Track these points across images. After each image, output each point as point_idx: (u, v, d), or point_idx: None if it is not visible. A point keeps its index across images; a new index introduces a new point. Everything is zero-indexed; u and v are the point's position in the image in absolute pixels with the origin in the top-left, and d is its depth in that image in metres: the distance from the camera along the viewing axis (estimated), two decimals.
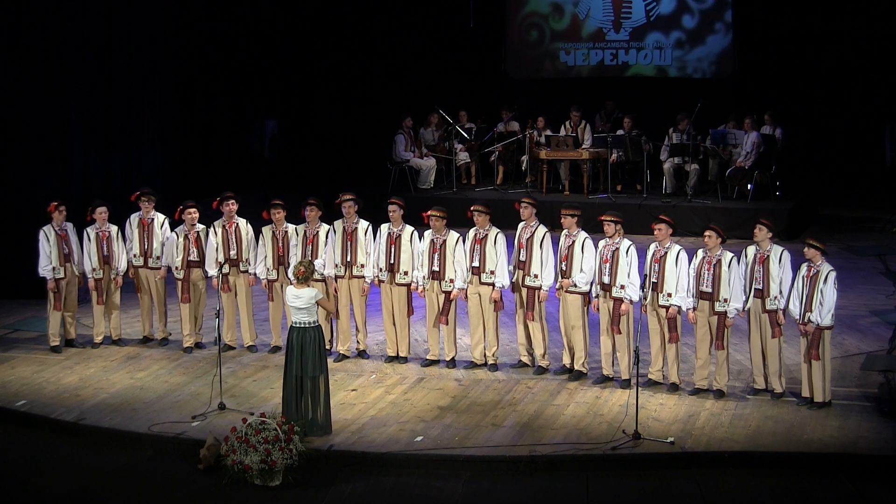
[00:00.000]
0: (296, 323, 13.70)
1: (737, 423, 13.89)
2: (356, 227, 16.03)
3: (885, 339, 16.66)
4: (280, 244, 16.31)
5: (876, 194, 25.43)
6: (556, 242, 15.44)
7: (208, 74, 26.21)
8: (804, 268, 14.26)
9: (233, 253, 16.50)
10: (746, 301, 14.55)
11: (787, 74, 26.54)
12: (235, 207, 16.56)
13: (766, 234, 14.59)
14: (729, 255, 14.56)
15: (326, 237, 16.10)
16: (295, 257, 16.06)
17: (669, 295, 14.72)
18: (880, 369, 15.41)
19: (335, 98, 28.19)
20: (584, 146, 25.41)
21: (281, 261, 16.33)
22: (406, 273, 15.85)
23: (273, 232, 16.37)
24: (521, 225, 15.60)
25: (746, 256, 14.66)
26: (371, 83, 28.47)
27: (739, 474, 12.82)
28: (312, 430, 13.52)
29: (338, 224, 16.11)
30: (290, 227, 16.33)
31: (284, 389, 13.76)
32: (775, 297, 14.43)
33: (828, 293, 14.02)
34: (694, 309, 14.70)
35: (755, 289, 14.51)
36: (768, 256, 14.49)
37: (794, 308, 14.28)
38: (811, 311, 14.07)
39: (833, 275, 14.11)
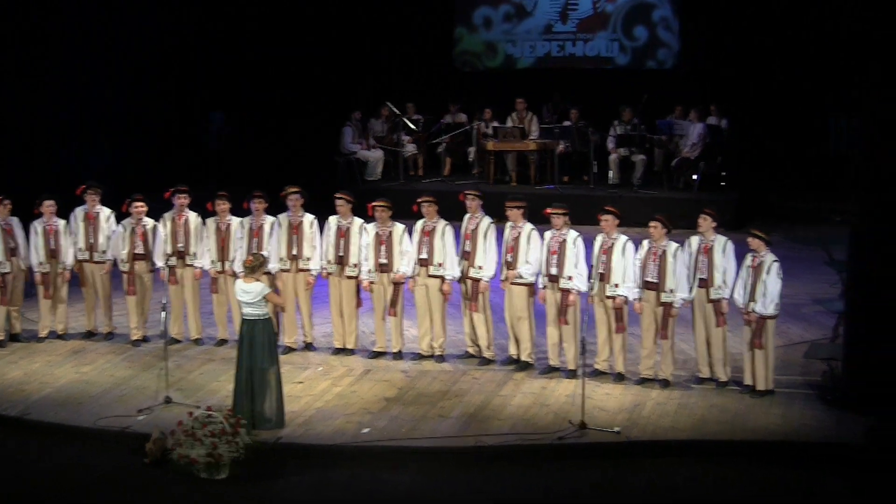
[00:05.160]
0: (246, 316, 13.68)
1: (682, 412, 13.98)
2: (301, 221, 16.01)
3: (829, 327, 16.72)
4: (224, 236, 16.28)
5: (821, 184, 25.57)
6: (502, 234, 15.48)
7: (156, 67, 26.06)
8: (748, 258, 14.38)
9: (180, 245, 16.44)
10: (691, 291, 14.64)
11: (733, 65, 26.64)
12: (186, 201, 16.51)
13: (709, 224, 14.69)
14: (674, 245, 14.65)
15: (271, 230, 16.10)
16: (240, 250, 16.02)
17: (616, 285, 14.80)
18: (823, 357, 15.53)
19: (283, 90, 28.09)
20: (531, 137, 25.45)
21: (225, 253, 16.30)
22: (355, 266, 15.84)
23: (217, 224, 16.33)
24: (466, 217, 15.65)
25: (690, 246, 14.74)
26: (319, 75, 28.37)
27: (685, 463, 12.89)
28: (262, 423, 13.50)
29: (283, 217, 16.08)
30: (235, 220, 16.29)
31: (235, 382, 13.72)
32: (719, 287, 14.54)
33: (771, 283, 14.15)
34: (640, 299, 14.78)
35: (699, 279, 14.61)
36: (712, 246, 14.59)
37: (739, 297, 14.41)
38: (755, 301, 14.20)
39: (777, 265, 14.24)
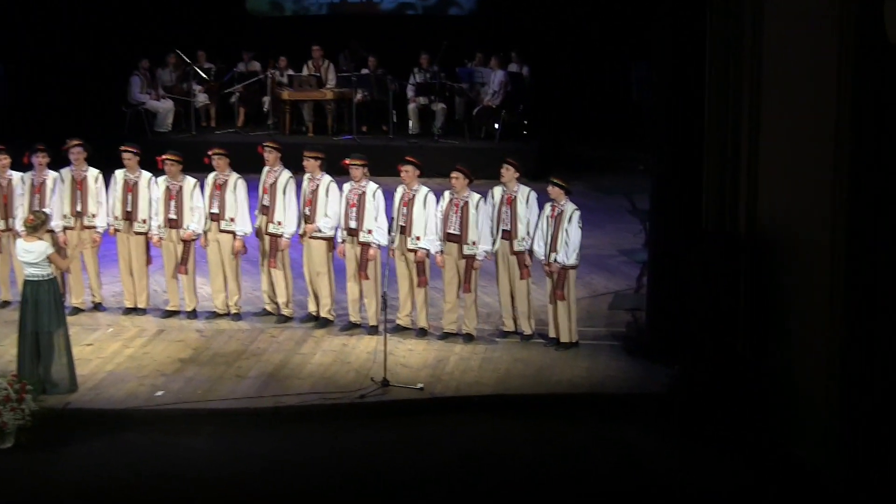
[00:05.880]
0: (29, 276, 13.14)
1: (486, 366, 13.96)
2: (85, 175, 15.47)
3: (633, 277, 16.83)
4: (5, 192, 15.59)
5: (623, 133, 25.68)
6: (300, 186, 15.13)
7: None
8: (548, 207, 14.33)
9: None
10: (494, 243, 14.47)
11: (534, 12, 26.57)
12: None
13: (512, 174, 14.59)
14: (476, 196, 14.53)
15: (54, 186, 15.45)
16: (22, 207, 15.39)
17: (418, 238, 14.63)
18: (628, 308, 15.73)
19: (65, 38, 27.17)
20: (327, 86, 25.11)
21: (7, 211, 15.59)
22: (144, 221, 15.42)
23: None
24: (265, 170, 15.28)
25: (493, 197, 14.62)
26: (103, 22, 27.51)
27: (490, 418, 12.86)
28: (51, 388, 13.07)
29: (65, 172, 15.52)
30: (16, 175, 15.62)
31: (19, 346, 13.21)
32: (523, 239, 14.47)
33: (573, 233, 14.12)
34: (442, 252, 14.57)
35: (503, 230, 14.51)
36: (515, 197, 14.49)
37: (539, 249, 14.35)
38: (556, 252, 14.13)
39: (577, 214, 14.20)
